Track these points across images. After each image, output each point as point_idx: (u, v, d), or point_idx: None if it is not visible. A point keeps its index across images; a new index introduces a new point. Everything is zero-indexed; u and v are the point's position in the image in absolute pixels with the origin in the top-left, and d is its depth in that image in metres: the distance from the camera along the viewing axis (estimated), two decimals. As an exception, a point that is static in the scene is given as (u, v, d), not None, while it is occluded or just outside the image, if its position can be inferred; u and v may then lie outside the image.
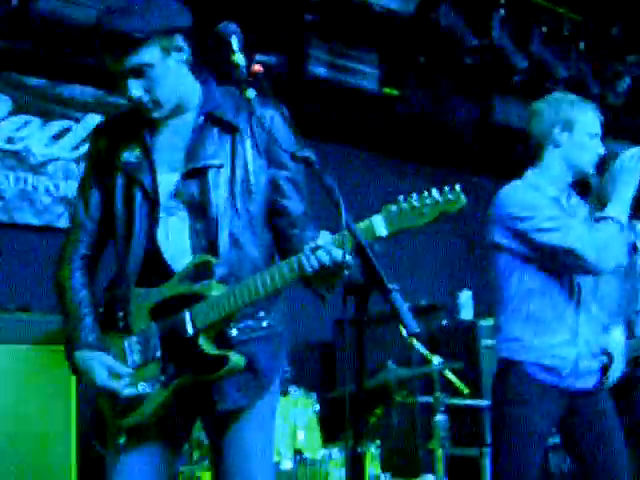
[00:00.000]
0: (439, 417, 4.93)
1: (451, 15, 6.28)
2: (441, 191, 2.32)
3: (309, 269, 2.38)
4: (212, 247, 2.63)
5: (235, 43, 2.38)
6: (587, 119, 3.65)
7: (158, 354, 2.60)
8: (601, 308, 3.73)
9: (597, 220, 3.52)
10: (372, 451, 4.70)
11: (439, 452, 4.92)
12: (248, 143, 2.66)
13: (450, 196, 2.34)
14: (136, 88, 2.57)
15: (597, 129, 3.67)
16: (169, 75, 2.59)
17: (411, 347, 4.69)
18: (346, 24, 6.12)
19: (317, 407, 4.33)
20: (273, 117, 2.65)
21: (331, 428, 4.74)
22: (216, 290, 2.55)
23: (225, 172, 2.64)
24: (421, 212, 2.33)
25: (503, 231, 3.61)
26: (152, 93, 2.59)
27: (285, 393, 4.23)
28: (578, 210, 3.70)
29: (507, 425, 3.57)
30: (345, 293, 1.95)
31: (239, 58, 2.37)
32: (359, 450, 1.98)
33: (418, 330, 1.86)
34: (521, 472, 3.54)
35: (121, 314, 2.69)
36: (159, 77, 2.56)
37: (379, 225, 2.30)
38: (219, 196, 2.62)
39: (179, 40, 2.58)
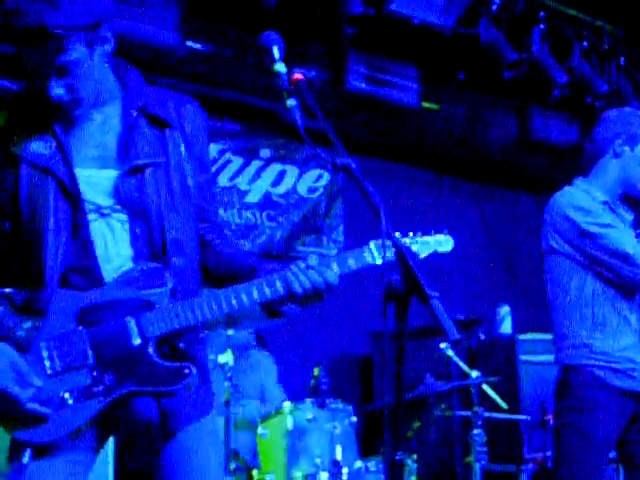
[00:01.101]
0: (476, 431, 4.92)
1: (491, 30, 6.27)
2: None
3: (299, 289, 2.35)
4: (156, 253, 2.44)
5: (276, 52, 2.38)
6: None
7: (91, 362, 2.32)
8: None
9: None
10: (409, 464, 4.68)
11: (476, 467, 4.91)
12: (181, 141, 2.54)
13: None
14: (58, 87, 2.37)
15: None
16: (94, 71, 2.41)
17: (449, 361, 4.68)
18: (386, 38, 6.14)
19: (354, 419, 4.32)
20: (197, 118, 2.59)
21: (368, 441, 4.74)
22: (167, 299, 2.37)
23: (163, 170, 2.48)
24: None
25: (557, 236, 3.61)
26: (74, 92, 2.39)
27: (323, 405, 4.23)
28: (626, 218, 3.71)
29: (574, 432, 3.52)
30: (385, 302, 1.94)
31: (280, 66, 2.36)
32: (397, 458, 1.98)
33: (458, 337, 1.86)
34: (581, 475, 3.48)
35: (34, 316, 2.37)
36: (84, 74, 2.38)
37: (371, 254, 2.39)
38: (160, 196, 2.45)
39: (103, 30, 2.40)
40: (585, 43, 6.79)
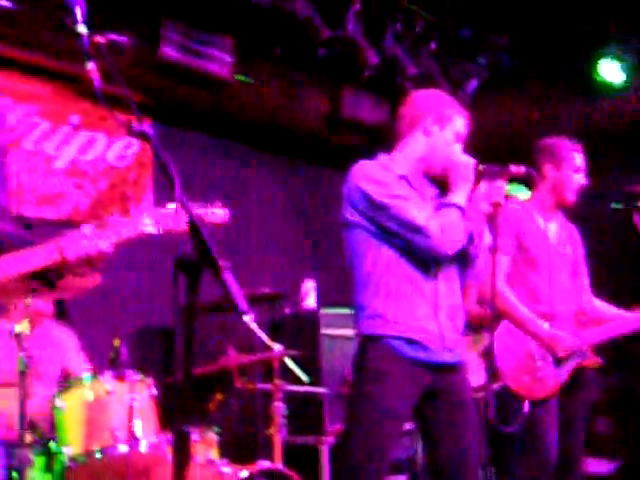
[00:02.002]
0: (278, 404, 4.97)
1: (307, 6, 6.30)
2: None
3: (71, 258, 2.35)
4: None
5: (79, 13, 2.31)
6: (459, 121, 3.76)
7: None
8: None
9: (442, 206, 3.63)
10: (211, 436, 4.68)
11: (277, 439, 4.96)
12: None
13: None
14: None
15: (463, 133, 3.78)
16: None
17: (252, 334, 4.70)
18: (202, 8, 6.07)
19: (154, 392, 4.27)
20: None
21: (168, 413, 4.70)
22: None
23: None
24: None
25: (352, 208, 3.66)
26: None
27: (122, 378, 4.16)
28: (427, 193, 3.80)
29: (363, 402, 3.57)
30: (176, 273, 1.92)
31: (81, 28, 2.30)
32: (185, 430, 1.96)
33: (247, 310, 1.85)
34: (372, 451, 3.53)
35: None
36: None
37: (147, 222, 2.38)
38: None
39: None
40: (399, 25, 6.92)
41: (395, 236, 3.60)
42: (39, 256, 2.32)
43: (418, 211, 3.58)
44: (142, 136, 2.12)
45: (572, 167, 4.68)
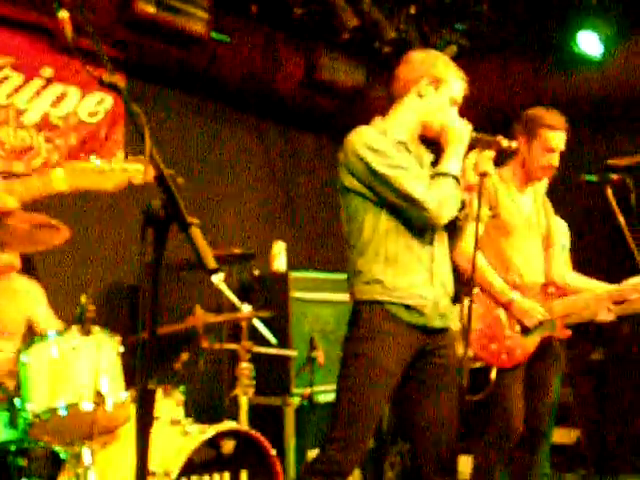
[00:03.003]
0: (245, 365, 4.97)
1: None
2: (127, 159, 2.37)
3: None
4: None
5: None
6: (456, 85, 3.74)
7: None
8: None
9: (437, 175, 3.63)
10: (176, 395, 4.67)
11: (243, 400, 4.96)
12: None
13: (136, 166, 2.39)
14: None
15: (459, 97, 3.77)
16: None
17: (221, 294, 4.68)
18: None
19: (121, 349, 4.25)
20: None
21: (134, 371, 4.68)
22: None
23: None
24: (106, 175, 2.36)
25: (351, 175, 3.65)
26: None
27: (88, 333, 4.13)
28: (425, 159, 3.79)
29: (361, 360, 3.59)
30: (143, 229, 1.88)
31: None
32: (150, 389, 1.95)
33: (215, 267, 1.83)
34: (364, 407, 3.57)
35: None
36: None
37: (58, 179, 2.33)
38: None
39: None
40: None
41: (393, 204, 3.61)
42: None
43: (416, 182, 3.58)
44: (114, 89, 2.08)
45: (543, 145, 4.63)
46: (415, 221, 3.63)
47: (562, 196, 5.04)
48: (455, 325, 4.03)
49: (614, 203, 4.60)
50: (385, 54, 6.96)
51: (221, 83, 7.07)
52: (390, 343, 3.58)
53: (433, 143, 3.78)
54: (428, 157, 3.83)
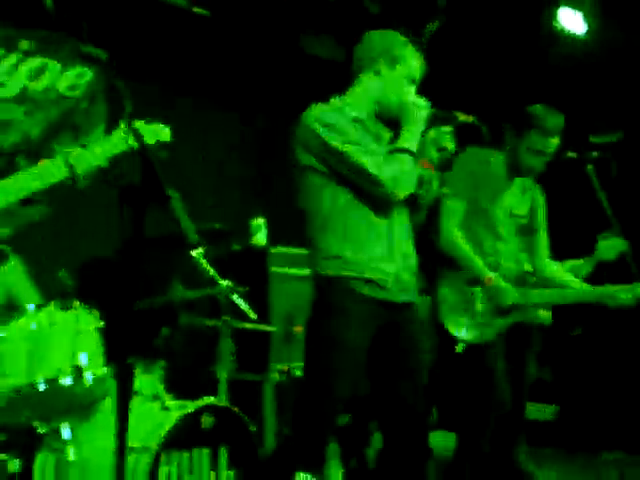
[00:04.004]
0: (224, 341, 4.96)
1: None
2: None
3: None
4: None
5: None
6: (413, 63, 3.75)
7: None
8: None
9: (393, 151, 3.64)
10: (156, 371, 4.66)
11: (222, 375, 4.96)
12: None
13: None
14: None
15: (417, 76, 3.77)
16: None
17: (200, 268, 4.66)
18: None
19: (100, 324, 4.24)
20: None
21: (113, 346, 4.67)
22: None
23: None
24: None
25: (307, 152, 3.65)
26: None
27: (67, 308, 4.11)
28: (382, 136, 3.79)
29: (322, 338, 3.62)
30: (122, 202, 1.86)
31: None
32: (130, 364, 1.94)
33: (196, 239, 1.82)
34: (331, 385, 3.60)
35: None
36: None
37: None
38: None
39: None
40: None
41: (349, 180, 3.60)
42: None
43: (371, 158, 3.59)
44: (96, 60, 2.06)
45: (528, 146, 4.59)
46: (372, 196, 3.64)
47: (542, 173, 5.04)
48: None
49: (595, 180, 4.62)
50: (367, 29, 6.93)
51: (201, 57, 7.03)
52: (353, 320, 3.59)
53: (393, 123, 3.79)
54: (386, 134, 3.84)
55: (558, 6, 6.96)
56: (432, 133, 3.75)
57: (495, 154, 4.73)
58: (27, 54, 6.27)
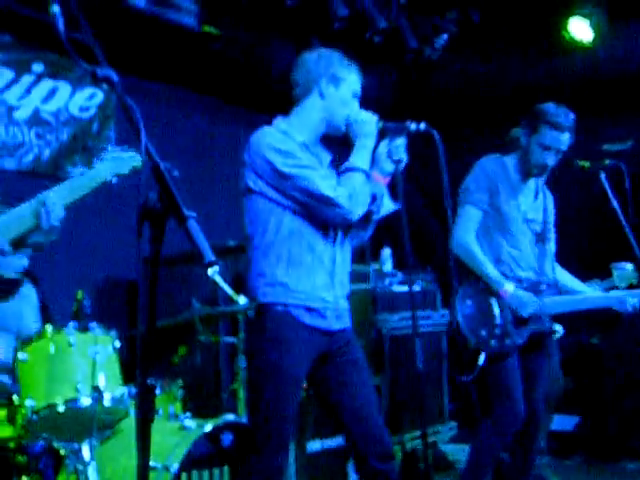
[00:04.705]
0: (243, 358, 4.95)
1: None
2: None
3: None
4: None
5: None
6: (353, 78, 3.75)
7: None
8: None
9: (345, 170, 3.66)
10: (174, 390, 4.66)
11: (241, 393, 4.95)
12: None
13: None
14: None
15: (359, 89, 3.78)
16: None
17: (217, 286, 4.66)
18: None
19: (118, 344, 4.24)
20: None
21: (132, 366, 4.67)
22: None
23: None
24: None
25: (255, 176, 3.64)
26: None
27: (85, 329, 4.12)
28: (323, 159, 3.80)
29: (265, 370, 3.61)
30: (139, 223, 1.87)
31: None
32: (149, 383, 1.94)
33: (214, 259, 1.83)
34: (278, 417, 3.60)
35: None
36: None
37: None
38: None
39: None
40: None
41: (300, 205, 3.61)
42: None
43: (324, 180, 3.59)
44: (107, 82, 2.07)
45: (541, 142, 4.59)
46: (325, 221, 3.64)
47: (555, 181, 5.02)
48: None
49: (608, 188, 4.61)
50: (376, 43, 6.94)
51: (213, 76, 7.05)
52: (294, 350, 3.59)
53: (338, 143, 3.80)
54: (327, 157, 3.85)
55: (569, 16, 6.95)
56: (384, 146, 3.75)
57: (510, 157, 4.73)
58: (39, 76, 6.30)
